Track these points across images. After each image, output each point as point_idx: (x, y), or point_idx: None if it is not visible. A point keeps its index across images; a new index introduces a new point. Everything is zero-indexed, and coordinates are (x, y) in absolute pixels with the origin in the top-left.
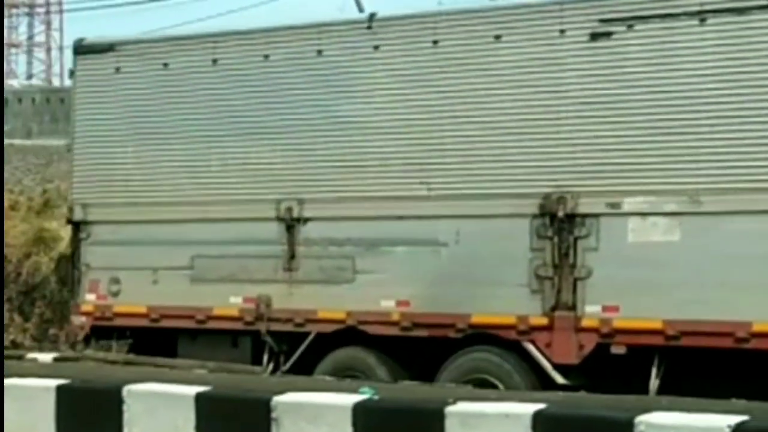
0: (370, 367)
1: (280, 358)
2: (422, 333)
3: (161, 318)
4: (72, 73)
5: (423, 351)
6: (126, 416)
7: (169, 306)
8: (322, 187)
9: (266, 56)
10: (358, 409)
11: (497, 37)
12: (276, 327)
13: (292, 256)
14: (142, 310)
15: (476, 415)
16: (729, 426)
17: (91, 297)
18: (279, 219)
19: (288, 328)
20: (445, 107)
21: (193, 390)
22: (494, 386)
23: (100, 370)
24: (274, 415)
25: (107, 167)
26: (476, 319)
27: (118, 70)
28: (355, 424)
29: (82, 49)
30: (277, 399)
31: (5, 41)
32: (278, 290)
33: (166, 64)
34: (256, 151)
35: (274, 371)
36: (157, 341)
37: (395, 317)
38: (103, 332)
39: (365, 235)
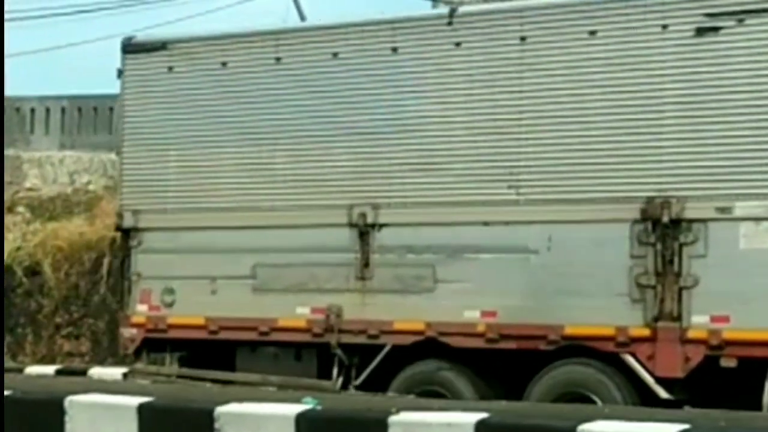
0: (451, 382)
1: (351, 372)
2: (510, 345)
3: (220, 330)
4: (120, 73)
5: (510, 365)
6: (68, 427)
7: (229, 317)
8: (399, 192)
9: (335, 54)
10: (301, 419)
11: (592, 33)
12: (347, 339)
13: (365, 264)
14: (200, 321)
15: (419, 424)
16: None
17: (142, 308)
18: (351, 225)
19: (361, 340)
20: (534, 107)
21: (135, 401)
22: (591, 401)
23: (41, 380)
24: (217, 425)
25: (160, 171)
26: (570, 331)
27: (170, 69)
28: None
29: (131, 47)
30: (220, 409)
31: None
32: (350, 300)
33: (224, 63)
34: (325, 154)
35: (344, 386)
36: (213, 354)
37: (480, 328)
38: (155, 345)
39: (447, 241)
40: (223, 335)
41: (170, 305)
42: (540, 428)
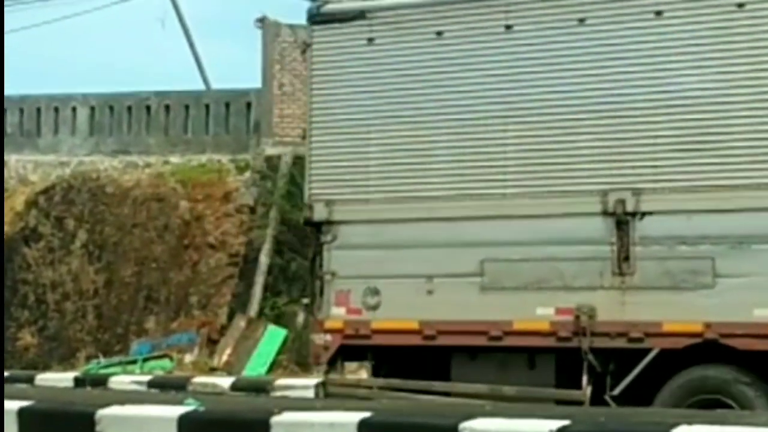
0: (738, 391)
1: (605, 380)
2: None
3: (438, 335)
4: (307, 47)
5: None
6: None
7: (450, 321)
8: (667, 175)
9: (581, 20)
10: (184, 421)
11: None
12: (601, 343)
13: (625, 257)
14: (413, 325)
15: (301, 424)
16: (551, 430)
17: (339, 311)
18: (606, 213)
19: (619, 344)
20: None
21: (15, 405)
22: None
23: None
24: (98, 428)
25: (359, 156)
26: None
27: (371, 40)
28: None
29: (320, 17)
30: (102, 412)
31: None
32: (605, 299)
33: (439, 33)
34: (571, 132)
35: (595, 396)
36: (415, 363)
37: None
38: (352, 352)
39: (730, 230)
40: (442, 341)
41: (374, 308)
42: (423, 426)
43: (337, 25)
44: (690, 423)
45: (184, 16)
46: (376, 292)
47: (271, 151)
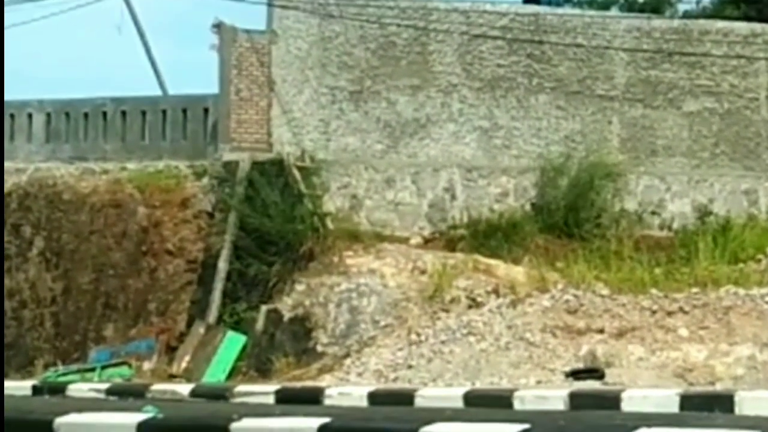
0: None
1: None
2: None
3: None
4: None
5: None
6: None
7: None
8: None
9: None
10: (143, 428)
11: None
12: None
13: None
14: None
15: (261, 430)
16: None
17: None
18: None
19: None
20: None
21: None
22: None
23: None
24: None
25: None
26: None
27: None
28: None
29: None
30: (60, 420)
31: None
32: None
33: None
34: None
35: None
36: None
37: None
38: None
39: None
40: None
41: None
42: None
43: None
44: (649, 425)
45: (140, 21)
46: None
47: (228, 156)
